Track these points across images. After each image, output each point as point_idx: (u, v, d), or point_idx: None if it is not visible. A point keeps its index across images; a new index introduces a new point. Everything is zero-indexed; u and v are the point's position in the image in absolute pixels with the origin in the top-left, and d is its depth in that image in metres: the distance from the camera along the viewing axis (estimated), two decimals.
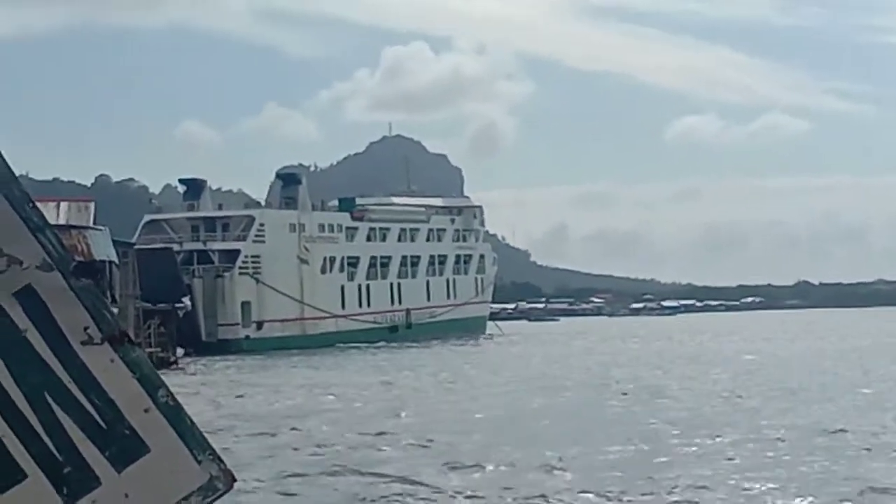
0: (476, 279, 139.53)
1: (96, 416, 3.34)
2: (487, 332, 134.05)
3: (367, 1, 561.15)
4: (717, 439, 32.83)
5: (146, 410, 3.35)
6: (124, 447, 3.34)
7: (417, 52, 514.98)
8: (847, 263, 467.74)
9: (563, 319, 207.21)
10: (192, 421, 3.44)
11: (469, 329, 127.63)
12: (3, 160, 3.27)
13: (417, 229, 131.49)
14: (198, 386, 58.15)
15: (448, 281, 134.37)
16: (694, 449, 31.24)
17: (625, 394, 48.24)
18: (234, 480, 3.45)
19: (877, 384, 51.28)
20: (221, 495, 3.42)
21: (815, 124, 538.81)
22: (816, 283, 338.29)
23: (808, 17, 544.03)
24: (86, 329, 3.38)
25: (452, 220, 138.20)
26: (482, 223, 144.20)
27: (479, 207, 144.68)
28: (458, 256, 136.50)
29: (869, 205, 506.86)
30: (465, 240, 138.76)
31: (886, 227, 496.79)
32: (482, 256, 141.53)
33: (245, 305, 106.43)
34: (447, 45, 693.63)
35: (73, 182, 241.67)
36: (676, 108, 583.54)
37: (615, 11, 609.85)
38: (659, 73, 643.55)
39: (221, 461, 3.44)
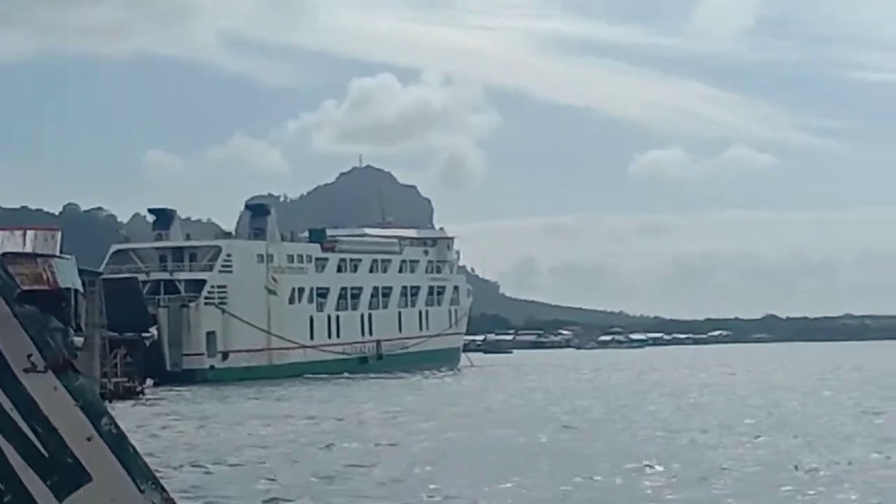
0: (450, 311, 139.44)
1: (38, 445, 3.34)
2: (461, 363, 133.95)
3: (333, 32, 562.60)
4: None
5: (89, 439, 3.35)
6: (66, 476, 3.34)
7: (385, 84, 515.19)
8: (814, 298, 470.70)
9: (516, 352, 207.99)
10: (135, 449, 3.44)
11: (442, 360, 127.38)
12: None
13: (389, 260, 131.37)
14: (147, 418, 57.88)
15: (421, 312, 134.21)
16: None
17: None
18: None
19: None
20: None
21: (784, 158, 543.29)
22: (784, 317, 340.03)
23: (780, 51, 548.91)
24: (29, 357, 3.37)
25: (426, 252, 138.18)
26: (456, 255, 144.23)
27: (453, 239, 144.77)
28: (431, 288, 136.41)
29: (836, 240, 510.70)
30: (438, 271, 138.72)
31: (853, 262, 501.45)
32: (456, 288, 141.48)
33: (210, 335, 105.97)
34: (414, 78, 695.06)
35: (41, 210, 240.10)
36: (645, 141, 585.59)
37: (584, 45, 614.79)
38: (628, 107, 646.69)
39: (164, 490, 3.44)
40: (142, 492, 3.35)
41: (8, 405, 3.34)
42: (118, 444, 3.37)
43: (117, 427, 3.40)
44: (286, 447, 42.16)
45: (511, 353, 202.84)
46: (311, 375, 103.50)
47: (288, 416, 58.34)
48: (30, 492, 3.29)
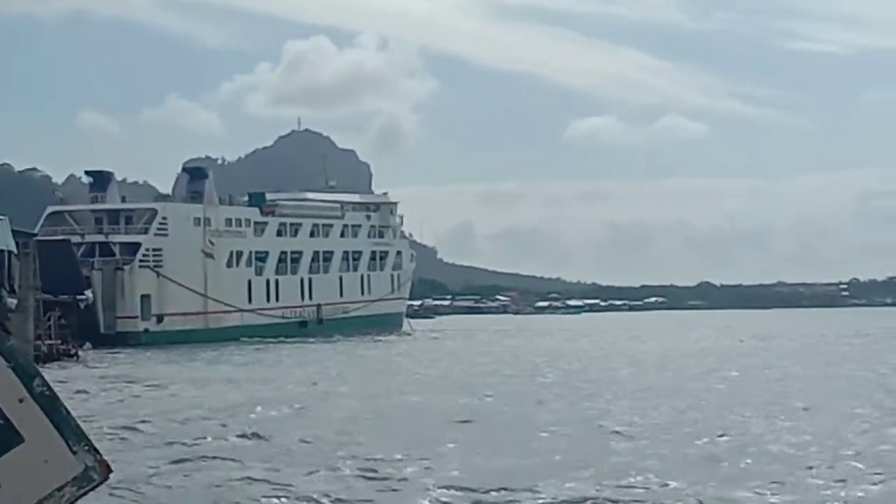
0: (392, 276, 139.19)
1: None
2: (403, 328, 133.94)
3: None
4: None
5: (21, 400, 3.38)
6: None
7: (320, 47, 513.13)
8: (749, 266, 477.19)
9: (448, 317, 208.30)
10: (68, 411, 3.47)
11: (384, 325, 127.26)
12: None
13: (331, 225, 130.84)
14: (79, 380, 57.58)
15: (363, 277, 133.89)
16: None
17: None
18: (110, 472, 3.47)
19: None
20: (97, 486, 3.44)
21: (718, 127, 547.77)
22: (718, 284, 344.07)
23: (719, 21, 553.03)
24: None
25: (368, 217, 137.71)
26: (399, 220, 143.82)
27: (396, 204, 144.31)
28: (373, 252, 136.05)
29: (770, 209, 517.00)
30: (381, 236, 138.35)
31: (786, 231, 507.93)
32: (399, 253, 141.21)
33: (145, 298, 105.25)
34: (350, 41, 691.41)
35: None
36: (582, 108, 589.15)
37: (526, 12, 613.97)
38: (566, 74, 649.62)
39: (97, 452, 3.47)
40: (74, 453, 3.37)
41: None
42: (50, 405, 3.39)
43: (50, 389, 3.42)
44: (200, 410, 42.19)
45: (433, 318, 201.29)
46: (248, 339, 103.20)
47: (203, 378, 58.58)
48: None
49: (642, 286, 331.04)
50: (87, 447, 3.43)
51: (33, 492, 3.33)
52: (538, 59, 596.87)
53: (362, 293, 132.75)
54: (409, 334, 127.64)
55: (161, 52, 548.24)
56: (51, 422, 3.40)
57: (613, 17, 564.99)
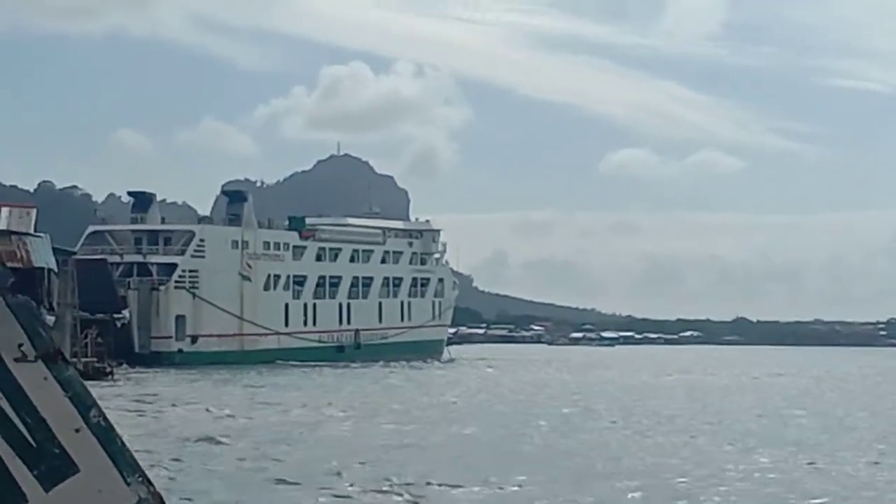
0: (434, 302, 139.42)
1: (26, 434, 3.34)
2: (444, 356, 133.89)
3: (308, 17, 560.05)
4: None
5: (77, 430, 3.36)
6: (53, 466, 3.35)
7: (356, 72, 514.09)
8: (784, 302, 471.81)
9: (461, 346, 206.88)
10: (123, 442, 3.45)
11: (424, 352, 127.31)
12: None
13: (371, 251, 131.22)
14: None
15: (403, 303, 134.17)
16: None
17: None
18: (163, 503, 3.46)
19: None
20: None
21: (754, 162, 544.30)
22: (754, 320, 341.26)
23: (757, 56, 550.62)
24: (20, 346, 3.38)
25: (410, 244, 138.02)
26: (442, 247, 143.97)
27: (439, 231, 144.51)
28: (414, 279, 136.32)
29: (805, 245, 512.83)
30: (423, 263, 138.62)
31: (821, 267, 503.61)
32: (441, 280, 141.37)
33: (179, 319, 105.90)
34: (388, 67, 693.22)
35: (15, 187, 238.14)
36: (617, 140, 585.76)
37: (563, 42, 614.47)
38: (604, 105, 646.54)
39: (151, 484, 3.45)
40: (128, 484, 3.37)
41: None
42: (106, 436, 3.39)
43: (105, 419, 3.41)
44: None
45: (458, 345, 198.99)
46: (283, 362, 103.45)
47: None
48: (17, 481, 3.30)
49: (678, 320, 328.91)
50: (140, 478, 3.42)
51: None
52: (574, 89, 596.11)
53: (402, 319, 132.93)
54: (449, 361, 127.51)
55: (196, 74, 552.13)
56: (106, 452, 3.39)
57: (651, 49, 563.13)
